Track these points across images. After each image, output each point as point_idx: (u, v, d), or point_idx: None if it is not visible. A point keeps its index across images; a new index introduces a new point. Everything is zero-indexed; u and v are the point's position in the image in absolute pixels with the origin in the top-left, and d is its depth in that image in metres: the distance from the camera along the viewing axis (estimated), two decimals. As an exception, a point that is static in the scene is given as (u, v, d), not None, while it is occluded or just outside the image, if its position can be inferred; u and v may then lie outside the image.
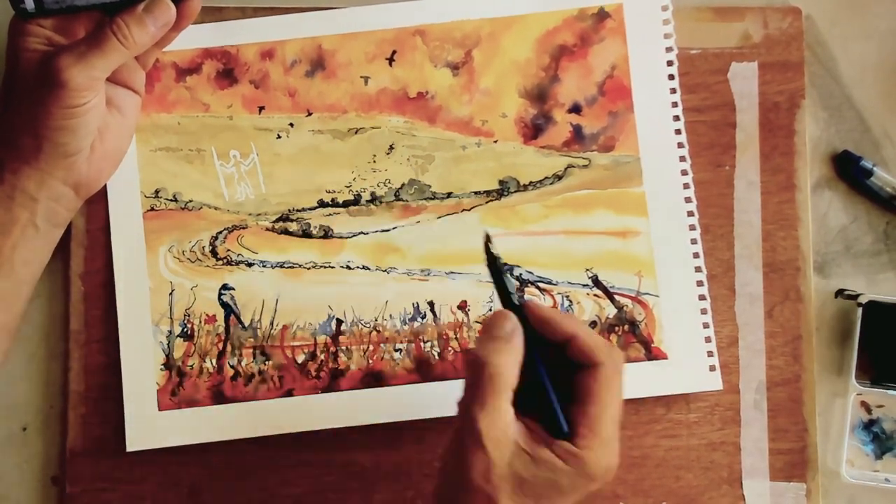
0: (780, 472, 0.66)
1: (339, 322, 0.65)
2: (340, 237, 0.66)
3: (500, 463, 0.51)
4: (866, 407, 0.67)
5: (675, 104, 0.67)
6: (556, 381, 0.52)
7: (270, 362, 0.65)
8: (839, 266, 0.68)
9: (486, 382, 0.51)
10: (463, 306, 0.66)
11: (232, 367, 0.65)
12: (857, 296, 0.66)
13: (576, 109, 0.67)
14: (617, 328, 0.66)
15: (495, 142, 0.67)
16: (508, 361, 0.52)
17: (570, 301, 0.66)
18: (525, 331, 0.53)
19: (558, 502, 0.52)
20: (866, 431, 0.67)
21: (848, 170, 0.68)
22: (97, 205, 0.65)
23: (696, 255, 0.66)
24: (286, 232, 0.66)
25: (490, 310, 0.65)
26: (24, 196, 0.59)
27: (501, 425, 0.51)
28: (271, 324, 0.65)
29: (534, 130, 0.67)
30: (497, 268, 0.54)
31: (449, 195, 0.66)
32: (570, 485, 0.51)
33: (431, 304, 0.66)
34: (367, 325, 0.65)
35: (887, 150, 0.69)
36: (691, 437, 0.66)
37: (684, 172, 0.66)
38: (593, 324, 0.66)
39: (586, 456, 0.51)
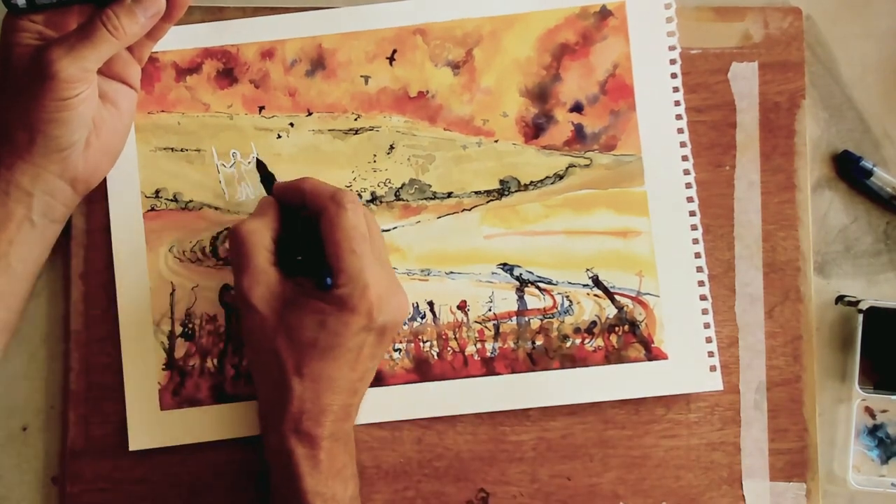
0: (780, 472, 0.66)
1: (340, 322, 0.65)
2: (341, 237, 0.66)
3: (272, 316, 0.57)
4: (870, 412, 0.67)
5: (677, 103, 0.67)
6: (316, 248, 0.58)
7: (271, 362, 0.65)
8: (839, 266, 0.68)
9: (240, 247, 0.58)
10: (462, 306, 0.66)
11: (233, 366, 0.65)
12: (858, 302, 0.65)
13: (577, 108, 0.67)
14: (617, 328, 0.66)
15: (496, 141, 0.67)
16: (258, 226, 0.59)
17: (571, 301, 0.66)
18: (285, 210, 0.60)
19: (335, 343, 0.56)
20: (871, 437, 0.67)
21: (848, 170, 0.68)
22: (97, 205, 0.66)
23: (697, 255, 0.66)
24: (286, 232, 0.66)
25: (490, 310, 0.66)
26: (20, 191, 0.59)
27: (264, 281, 0.58)
28: (272, 324, 0.65)
29: (535, 130, 0.67)
30: (266, 173, 0.64)
31: (449, 195, 0.66)
32: (336, 321, 0.56)
33: (431, 303, 0.66)
34: (367, 325, 0.65)
35: (887, 150, 0.69)
36: (691, 437, 0.66)
37: (686, 172, 0.66)
38: (593, 324, 0.66)
39: (340, 292, 0.56)
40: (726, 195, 0.67)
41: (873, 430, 0.67)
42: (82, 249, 0.66)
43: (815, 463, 0.66)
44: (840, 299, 0.67)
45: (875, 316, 0.65)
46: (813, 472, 0.66)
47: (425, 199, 0.66)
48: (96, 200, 0.66)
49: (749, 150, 0.67)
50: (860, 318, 0.65)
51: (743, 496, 0.66)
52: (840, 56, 0.69)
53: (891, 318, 0.65)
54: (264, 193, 0.65)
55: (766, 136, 0.67)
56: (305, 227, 0.59)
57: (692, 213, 0.66)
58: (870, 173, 0.67)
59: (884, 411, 0.67)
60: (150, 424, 0.64)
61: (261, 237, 0.58)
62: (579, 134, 0.67)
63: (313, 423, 0.57)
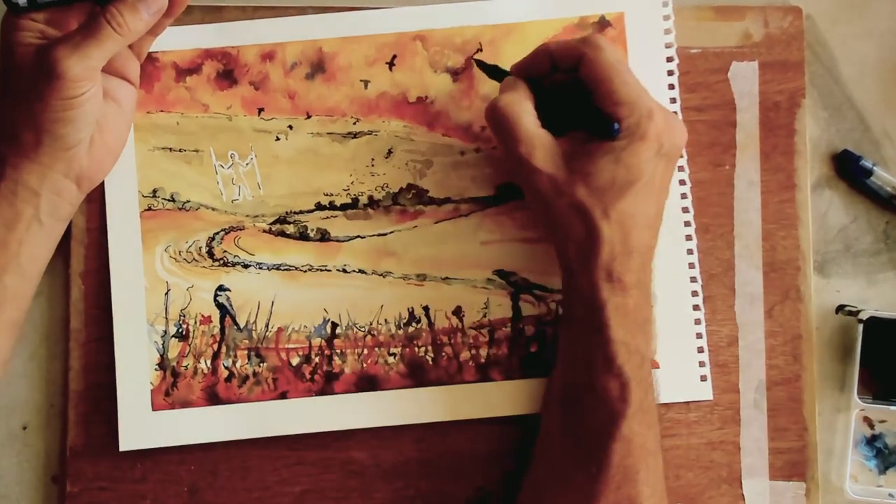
0: (780, 471, 0.66)
1: (335, 325, 0.65)
2: (337, 240, 0.66)
3: (561, 172, 0.57)
4: (869, 422, 0.67)
5: (675, 114, 0.67)
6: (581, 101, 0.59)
7: (265, 364, 0.65)
8: (839, 265, 0.68)
9: (506, 119, 0.58)
10: (458, 312, 0.66)
11: (226, 368, 0.65)
12: (858, 312, 0.66)
13: (575, 117, 0.67)
14: (611, 336, 0.66)
15: (494, 148, 0.67)
16: (514, 97, 0.59)
17: (565, 308, 0.66)
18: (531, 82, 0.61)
19: (632, 176, 0.56)
20: (869, 447, 0.67)
21: (848, 169, 0.68)
22: (97, 204, 0.65)
23: (691, 266, 0.66)
24: (283, 234, 0.66)
25: (485, 315, 0.66)
26: (27, 191, 0.59)
27: (540, 144, 0.58)
28: (266, 326, 0.65)
29: (532, 137, 0.67)
30: (499, 71, 0.64)
31: (447, 200, 0.67)
32: (630, 154, 0.56)
33: (426, 308, 0.66)
34: (362, 329, 0.65)
35: (887, 149, 0.69)
36: (691, 436, 0.66)
37: (682, 182, 0.67)
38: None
39: (627, 123, 0.57)
40: (726, 194, 0.68)
41: (871, 440, 0.67)
42: (82, 248, 0.65)
43: (814, 462, 0.66)
44: (840, 309, 0.67)
45: (875, 326, 0.65)
46: (812, 472, 0.66)
47: (422, 204, 0.66)
48: (96, 199, 0.65)
49: (749, 150, 0.68)
50: (860, 327, 0.65)
51: (742, 495, 0.66)
52: (840, 56, 0.70)
53: (891, 328, 0.66)
54: (261, 193, 0.65)
55: (765, 136, 0.68)
56: (559, 89, 0.60)
57: (687, 224, 0.66)
58: (870, 173, 0.68)
59: (882, 421, 0.67)
60: (141, 425, 0.64)
61: (522, 105, 0.59)
62: (576, 143, 0.67)
63: (623, 268, 0.57)
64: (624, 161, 0.56)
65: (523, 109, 0.59)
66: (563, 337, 0.61)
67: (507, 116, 0.58)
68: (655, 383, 0.60)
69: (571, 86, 0.59)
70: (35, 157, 0.59)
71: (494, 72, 0.64)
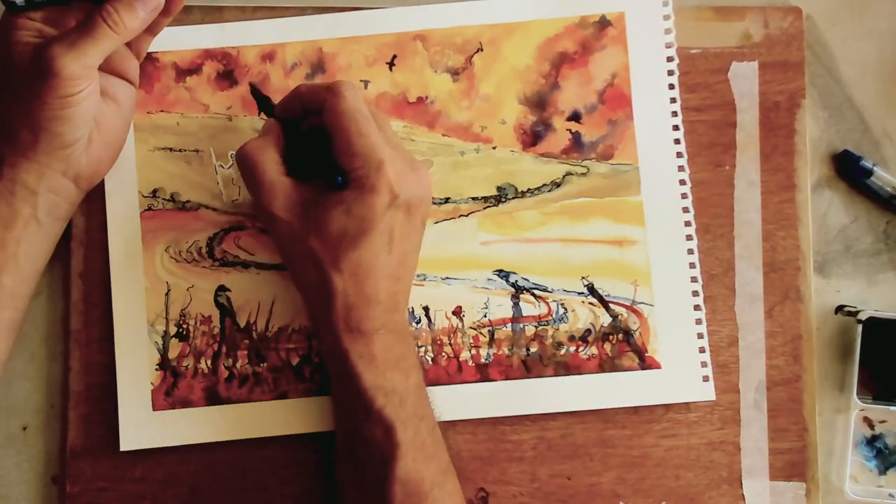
0: (780, 471, 0.66)
1: (335, 325, 0.65)
2: (337, 240, 0.66)
3: (297, 220, 0.58)
4: (869, 423, 0.67)
5: (674, 114, 0.67)
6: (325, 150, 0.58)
7: (265, 364, 0.65)
8: (839, 266, 0.68)
9: (250, 165, 0.58)
10: (458, 312, 0.66)
11: (227, 368, 0.65)
12: (857, 312, 0.66)
13: (575, 117, 0.67)
14: (611, 336, 0.66)
15: (494, 148, 0.67)
16: (261, 143, 0.59)
17: (565, 308, 0.66)
18: (288, 125, 0.61)
19: (365, 227, 0.56)
20: (869, 447, 0.67)
21: (848, 169, 0.68)
22: (97, 204, 0.65)
23: (692, 266, 0.66)
24: (283, 234, 0.66)
25: (485, 316, 0.66)
26: (25, 190, 0.59)
27: (280, 190, 0.58)
28: (267, 326, 0.65)
29: (533, 137, 0.67)
30: (262, 97, 0.64)
31: (447, 200, 0.67)
32: (361, 205, 0.56)
33: (426, 308, 0.66)
34: (363, 329, 0.65)
35: (887, 149, 0.69)
36: (691, 436, 0.66)
37: (682, 182, 0.67)
38: (588, 332, 0.66)
39: (357, 175, 0.56)
40: (726, 195, 0.67)
41: (872, 441, 0.67)
42: (82, 248, 0.65)
43: (814, 462, 0.66)
44: (840, 309, 0.67)
45: (874, 326, 0.65)
46: (813, 472, 0.66)
47: (423, 204, 0.66)
48: (96, 199, 0.65)
49: (749, 150, 0.68)
50: (859, 328, 0.65)
51: (743, 496, 0.66)
52: (840, 56, 0.70)
53: (890, 328, 0.66)
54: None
55: (766, 136, 0.68)
56: (310, 134, 0.60)
57: (688, 224, 0.66)
58: (870, 173, 0.68)
59: (882, 422, 0.67)
60: (141, 425, 0.64)
61: (267, 151, 0.59)
62: (577, 142, 0.67)
63: (361, 317, 0.57)
64: (354, 212, 0.56)
65: (267, 156, 0.59)
66: (330, 384, 0.61)
67: (251, 163, 0.58)
68: (434, 406, 0.60)
69: (322, 132, 0.59)
70: (33, 156, 0.59)
71: (263, 104, 0.64)
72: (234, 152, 0.66)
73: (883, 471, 0.67)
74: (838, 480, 0.66)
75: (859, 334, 0.65)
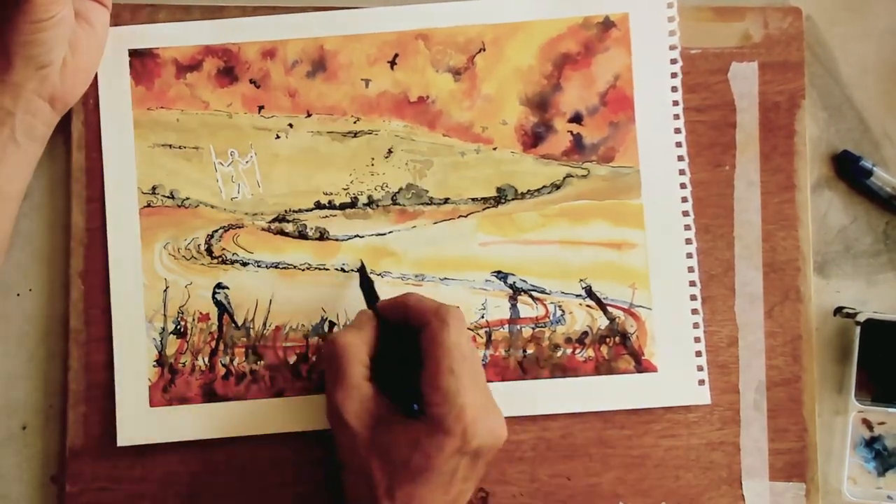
0: (780, 471, 0.66)
1: (332, 324, 0.65)
2: (336, 239, 0.66)
3: (363, 433, 0.56)
4: (868, 424, 0.67)
5: (676, 117, 0.67)
6: (414, 366, 0.57)
7: (262, 362, 0.65)
8: (839, 266, 0.68)
9: (337, 361, 0.57)
10: (456, 313, 0.66)
11: (224, 365, 0.65)
12: (856, 314, 0.66)
13: (577, 119, 0.67)
14: (608, 339, 0.66)
15: (494, 149, 0.67)
16: (355, 340, 0.57)
17: (563, 311, 0.66)
18: (385, 326, 0.59)
19: (428, 465, 0.54)
20: (868, 449, 0.67)
21: (848, 170, 0.68)
22: (97, 204, 0.66)
23: (690, 270, 0.66)
24: (282, 233, 0.66)
25: (482, 317, 0.66)
26: (2, 112, 0.60)
27: (357, 397, 0.56)
28: (264, 324, 0.65)
29: (534, 138, 0.67)
30: (369, 284, 0.63)
31: (446, 201, 0.66)
32: (430, 443, 0.54)
33: (425, 309, 0.66)
34: (360, 329, 0.65)
35: (887, 150, 0.69)
36: (691, 436, 0.66)
37: (683, 186, 0.66)
38: (585, 334, 0.66)
39: (433, 412, 0.54)
40: (726, 195, 0.67)
41: (870, 442, 0.67)
42: (82, 248, 0.66)
43: (814, 463, 0.66)
44: (838, 311, 0.67)
45: (873, 328, 0.65)
46: (812, 472, 0.66)
47: (422, 204, 0.66)
48: (96, 199, 0.66)
49: (749, 150, 0.67)
50: (858, 330, 0.65)
51: (742, 496, 0.66)
52: (840, 56, 0.69)
53: (889, 330, 0.65)
54: (260, 191, 0.65)
55: (765, 136, 0.67)
56: (401, 346, 0.58)
57: (687, 227, 0.66)
58: (869, 173, 0.67)
59: (881, 423, 0.67)
60: (138, 421, 0.64)
61: (357, 351, 0.57)
62: (578, 144, 0.67)
63: None
64: (422, 447, 0.54)
65: (356, 356, 0.57)
66: None
67: (340, 357, 0.57)
68: None
69: (414, 349, 0.57)
70: (7, 79, 0.60)
71: (367, 291, 0.63)
72: (232, 150, 0.66)
73: (882, 472, 0.67)
74: (837, 482, 0.66)
75: (858, 336, 0.65)
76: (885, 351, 0.66)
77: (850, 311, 0.67)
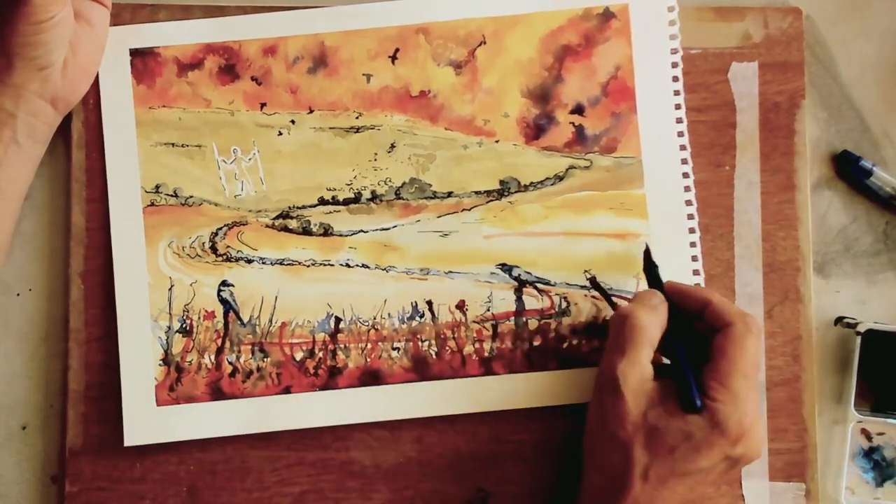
0: (780, 472, 0.66)
1: (338, 320, 0.65)
2: (340, 235, 0.66)
3: (636, 411, 0.56)
4: (867, 434, 0.67)
5: (678, 106, 0.67)
6: (693, 358, 0.57)
7: (269, 359, 0.65)
8: (839, 266, 0.68)
9: (629, 334, 0.57)
10: (461, 306, 0.66)
11: (230, 363, 0.65)
12: (857, 324, 0.66)
13: (578, 110, 0.67)
14: (614, 330, 0.66)
15: (497, 141, 0.67)
16: (653, 321, 0.58)
17: (568, 302, 0.66)
18: (674, 310, 0.60)
19: (692, 458, 0.55)
20: (867, 459, 0.67)
21: (847, 170, 0.68)
22: (97, 203, 0.65)
23: (694, 259, 0.66)
24: (286, 229, 0.66)
25: (488, 309, 0.66)
26: (3, 113, 0.60)
27: (639, 375, 0.57)
28: (270, 321, 0.65)
29: (536, 131, 0.67)
30: (654, 269, 0.62)
31: (449, 194, 0.66)
32: (703, 438, 0.55)
33: (430, 303, 0.66)
34: (366, 324, 0.65)
35: (887, 150, 0.69)
36: (691, 436, 0.66)
37: (685, 175, 0.66)
38: (590, 325, 0.66)
39: (717, 408, 0.55)
40: (726, 195, 0.67)
41: (869, 453, 0.67)
42: (82, 248, 0.65)
43: (814, 463, 0.66)
44: (839, 321, 0.67)
45: (873, 338, 0.65)
46: (812, 472, 0.66)
47: (425, 198, 0.66)
48: (97, 199, 0.66)
49: (749, 150, 0.67)
50: (858, 340, 0.65)
51: (743, 496, 0.66)
52: (839, 56, 0.69)
53: (889, 340, 0.66)
54: (263, 188, 0.66)
55: (765, 136, 0.67)
56: (686, 337, 0.59)
57: (690, 217, 0.66)
58: (869, 173, 0.68)
59: (880, 434, 0.67)
60: (145, 420, 0.64)
61: (651, 334, 0.58)
62: (580, 135, 0.67)
63: None
64: (693, 441, 0.55)
65: (649, 337, 0.57)
66: None
67: (636, 333, 0.57)
68: None
69: (699, 341, 0.59)
70: (8, 80, 0.60)
71: (651, 273, 0.63)
72: (235, 148, 0.66)
73: (880, 483, 0.67)
74: (835, 492, 0.66)
75: (858, 346, 0.65)
76: (885, 361, 0.66)
77: (851, 321, 0.67)
